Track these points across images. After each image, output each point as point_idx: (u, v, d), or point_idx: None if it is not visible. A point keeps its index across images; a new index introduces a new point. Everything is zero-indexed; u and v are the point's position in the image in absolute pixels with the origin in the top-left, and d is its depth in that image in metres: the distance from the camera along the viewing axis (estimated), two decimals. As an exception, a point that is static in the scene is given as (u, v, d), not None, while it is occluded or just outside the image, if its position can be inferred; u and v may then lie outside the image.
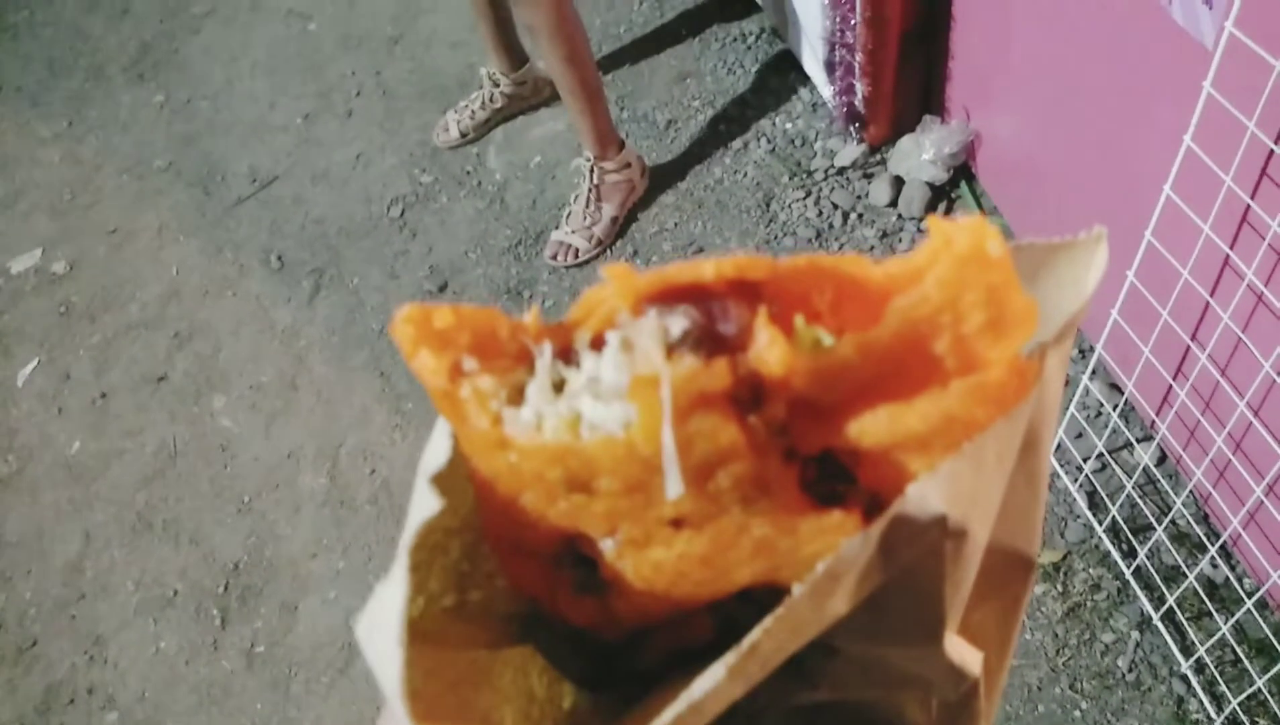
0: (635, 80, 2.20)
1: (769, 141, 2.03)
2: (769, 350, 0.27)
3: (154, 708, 1.55)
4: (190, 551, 1.67)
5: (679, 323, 0.28)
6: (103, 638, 1.62)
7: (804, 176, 1.96)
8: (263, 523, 1.68)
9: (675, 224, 1.95)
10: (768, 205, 1.94)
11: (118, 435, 1.83)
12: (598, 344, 0.29)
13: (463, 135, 2.16)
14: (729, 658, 0.26)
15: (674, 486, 0.27)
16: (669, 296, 0.29)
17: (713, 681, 0.26)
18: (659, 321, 0.28)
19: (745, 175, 2.00)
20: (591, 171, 1.92)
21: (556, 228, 1.95)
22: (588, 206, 1.93)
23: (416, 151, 2.19)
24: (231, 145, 2.28)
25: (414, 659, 0.27)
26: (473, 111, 2.16)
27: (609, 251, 1.94)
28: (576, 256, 1.92)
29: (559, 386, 0.29)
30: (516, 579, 0.33)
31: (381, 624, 0.28)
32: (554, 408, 0.28)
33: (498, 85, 2.14)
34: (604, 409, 0.27)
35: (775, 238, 1.90)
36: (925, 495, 0.27)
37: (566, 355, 0.29)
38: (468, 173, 2.13)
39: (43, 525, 1.75)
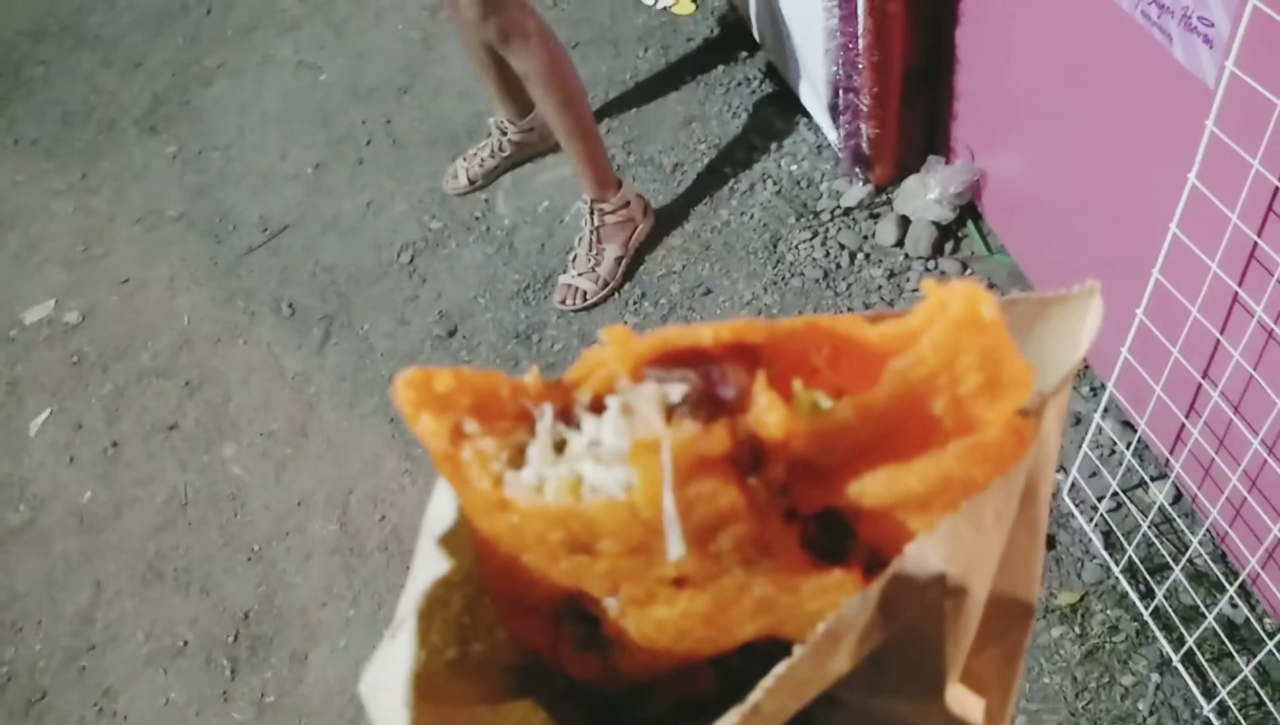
0: (641, 125, 2.23)
1: (775, 183, 2.05)
2: (768, 414, 0.27)
3: (163, 761, 1.54)
4: (201, 600, 1.67)
5: (678, 388, 0.28)
6: (112, 689, 1.61)
7: (810, 217, 1.98)
8: (273, 571, 1.68)
9: (683, 266, 1.96)
10: (775, 246, 1.95)
11: (129, 484, 1.84)
12: (598, 406, 0.29)
13: (471, 182, 2.19)
14: (731, 717, 0.26)
15: (675, 548, 0.27)
16: (667, 361, 0.29)
17: None
18: (658, 387, 0.28)
19: (752, 217, 2.01)
20: (592, 213, 1.93)
21: (564, 272, 1.96)
22: (590, 249, 1.94)
23: (426, 198, 2.21)
24: (243, 195, 2.31)
25: (418, 718, 0.27)
26: (481, 159, 2.19)
27: (617, 293, 1.94)
28: (585, 299, 1.93)
29: (560, 447, 0.29)
30: (518, 634, 0.33)
31: (387, 683, 0.28)
32: (555, 470, 0.28)
33: (505, 133, 2.16)
34: (605, 472, 0.27)
35: (783, 279, 1.91)
36: (924, 554, 0.28)
37: (568, 416, 0.30)
38: (476, 219, 2.15)
39: (54, 575, 1.75)
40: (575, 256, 1.96)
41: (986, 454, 0.28)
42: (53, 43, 2.85)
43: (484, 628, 0.33)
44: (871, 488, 0.28)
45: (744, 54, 2.31)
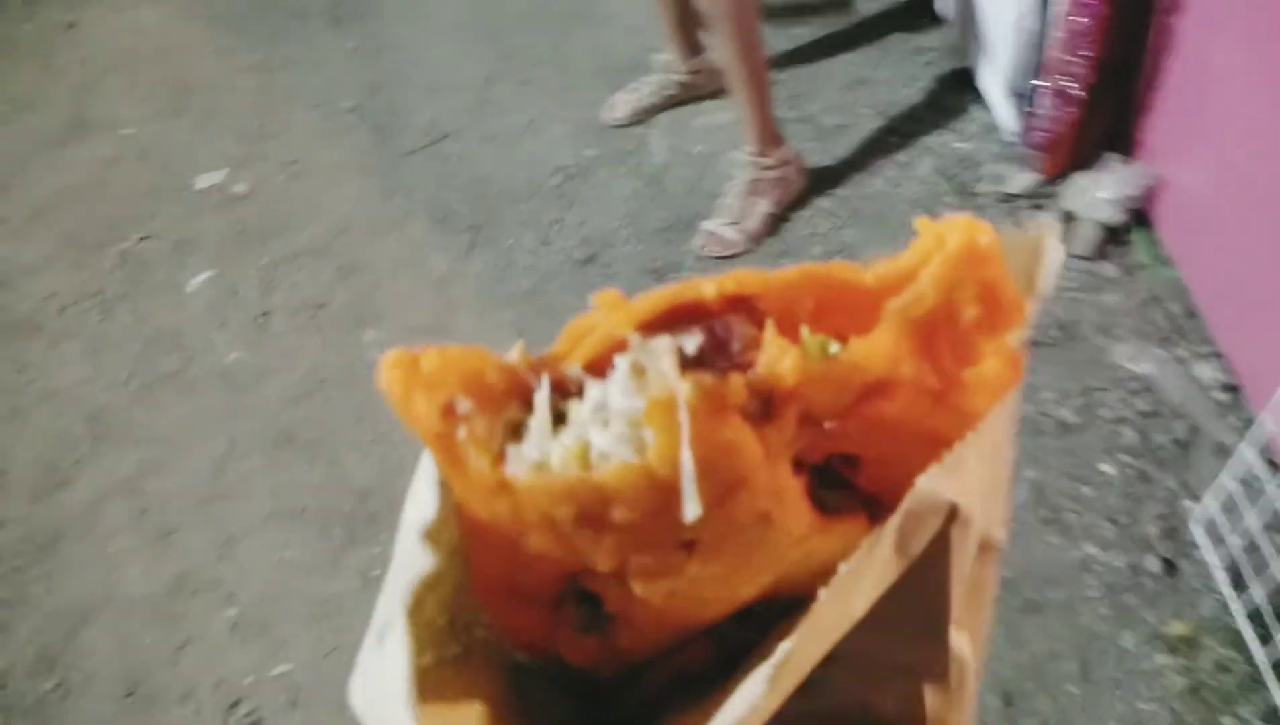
0: (808, 81, 2.20)
1: (936, 158, 2.00)
2: (781, 362, 0.27)
3: (269, 611, 1.64)
4: (325, 471, 1.77)
5: (692, 341, 0.28)
6: (234, 538, 1.73)
7: (968, 198, 1.92)
8: (394, 454, 1.76)
9: (829, 230, 1.94)
10: (927, 224, 1.90)
11: (273, 353, 1.95)
12: (597, 371, 0.29)
13: (631, 116, 2.20)
14: (765, 670, 0.26)
15: (692, 508, 0.26)
16: (671, 319, 0.29)
17: (753, 695, 0.26)
18: (673, 342, 0.28)
19: (907, 189, 1.97)
20: (750, 166, 1.92)
21: (709, 218, 1.96)
22: (742, 201, 1.94)
23: (584, 126, 2.23)
24: (413, 97, 2.38)
25: (426, 721, 0.26)
26: (643, 95, 2.20)
27: (758, 249, 1.94)
28: (725, 249, 1.93)
29: (559, 418, 0.28)
30: (510, 626, 0.32)
31: (382, 691, 0.27)
32: (559, 441, 0.27)
33: (672, 73, 2.16)
34: (614, 435, 0.26)
35: (930, 258, 1.86)
36: (936, 486, 0.27)
37: (563, 387, 0.29)
38: (629, 152, 2.17)
39: (194, 423, 1.87)
40: (725, 205, 1.96)
41: (986, 385, 0.28)
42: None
43: (464, 626, 0.32)
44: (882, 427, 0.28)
45: (923, 23, 2.24)
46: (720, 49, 1.80)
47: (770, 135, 1.89)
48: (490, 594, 0.31)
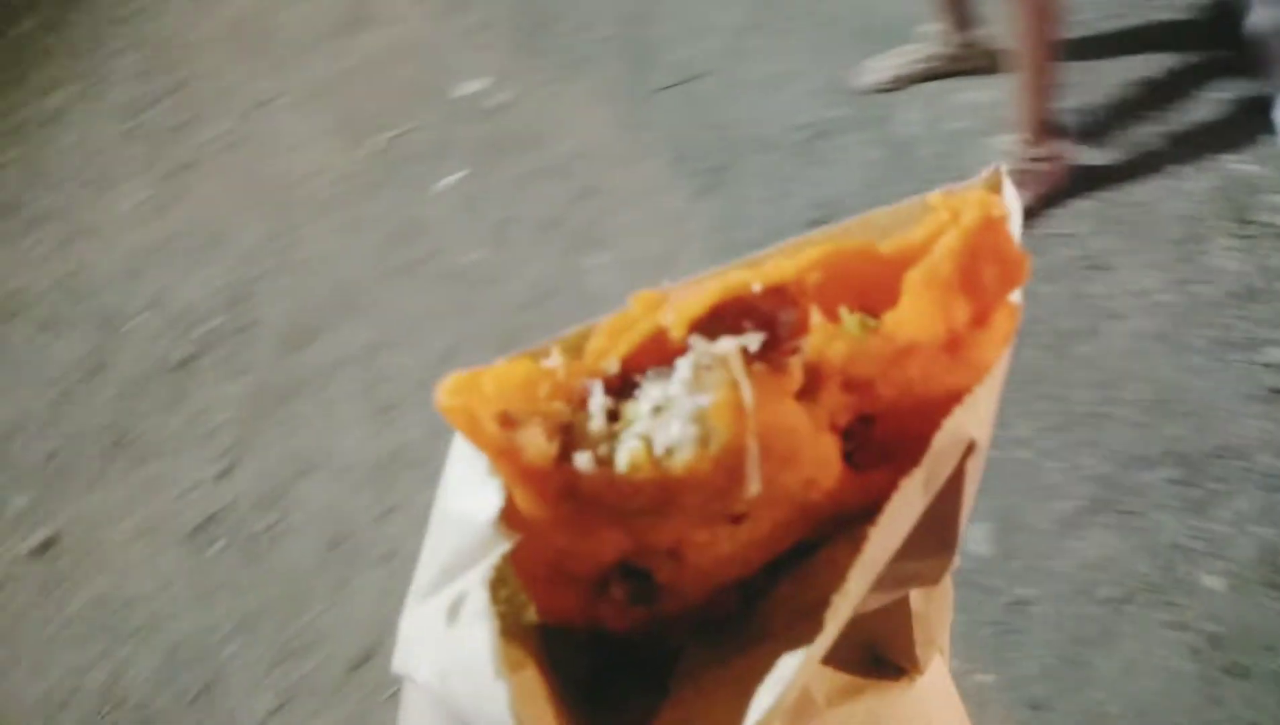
0: (1093, 73, 2.08)
1: (1215, 178, 1.86)
2: (831, 344, 0.29)
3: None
4: (539, 379, 1.86)
5: (755, 338, 0.30)
6: (449, 426, 1.85)
7: (1243, 225, 1.78)
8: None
9: (1084, 233, 1.85)
10: (1191, 243, 1.78)
11: (508, 260, 2.05)
12: (637, 366, 0.30)
13: (887, 82, 2.15)
14: (837, 606, 0.29)
15: (755, 486, 0.29)
16: (722, 314, 0.30)
17: (827, 636, 0.29)
18: (736, 344, 0.29)
19: (1175, 204, 1.84)
20: (1014, 153, 1.85)
21: (955, 199, 1.91)
22: (997, 188, 1.87)
23: (836, 86, 2.20)
24: (669, 34, 2.41)
25: (517, 688, 0.28)
26: (903, 62, 2.14)
27: (1001, 239, 1.87)
28: (966, 234, 1.87)
29: (612, 417, 0.30)
30: (552, 606, 0.34)
31: (462, 662, 0.29)
32: (622, 441, 0.29)
33: (938, 43, 2.09)
34: (677, 430, 0.28)
35: (1188, 281, 1.75)
36: (959, 424, 0.30)
37: (611, 388, 0.30)
38: (880, 120, 2.12)
39: (430, 312, 2.01)
40: (975, 188, 1.89)
41: (999, 338, 0.32)
42: None
43: (504, 598, 0.34)
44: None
45: (1226, 39, 2.07)
46: (1015, 24, 1.72)
47: (1046, 124, 1.81)
48: (534, 580, 0.33)
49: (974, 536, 1.49)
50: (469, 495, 0.31)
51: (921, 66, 2.13)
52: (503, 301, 1.99)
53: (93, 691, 1.56)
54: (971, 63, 2.12)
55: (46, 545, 1.73)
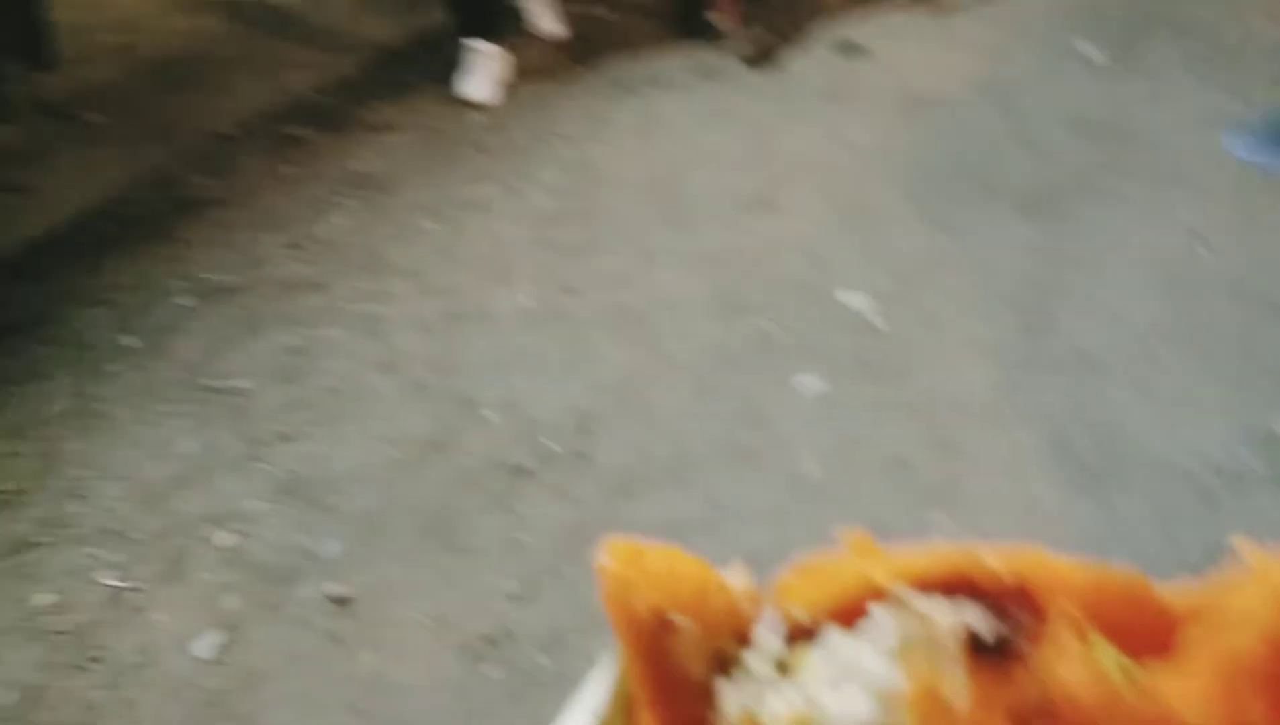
0: None
1: None
2: (1073, 671, 0.25)
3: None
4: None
5: (979, 617, 0.26)
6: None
7: None
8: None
9: None
10: None
11: (843, 484, 1.98)
12: (837, 618, 0.26)
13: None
14: None
15: None
16: (951, 589, 0.27)
17: None
18: (958, 618, 0.25)
19: None
20: None
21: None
22: None
23: (1253, 430, 1.99)
24: (1074, 312, 2.31)
25: None
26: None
27: None
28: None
29: (781, 667, 0.26)
30: None
31: None
32: (781, 695, 0.25)
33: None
34: (847, 702, 0.24)
35: None
36: None
37: (791, 632, 0.27)
38: (1299, 483, 1.88)
39: (750, 508, 1.95)
40: None
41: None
42: None
43: None
44: None
45: None
46: None
47: None
48: None
49: None
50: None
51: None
52: (825, 522, 1.90)
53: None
54: None
55: (343, 601, 1.78)
